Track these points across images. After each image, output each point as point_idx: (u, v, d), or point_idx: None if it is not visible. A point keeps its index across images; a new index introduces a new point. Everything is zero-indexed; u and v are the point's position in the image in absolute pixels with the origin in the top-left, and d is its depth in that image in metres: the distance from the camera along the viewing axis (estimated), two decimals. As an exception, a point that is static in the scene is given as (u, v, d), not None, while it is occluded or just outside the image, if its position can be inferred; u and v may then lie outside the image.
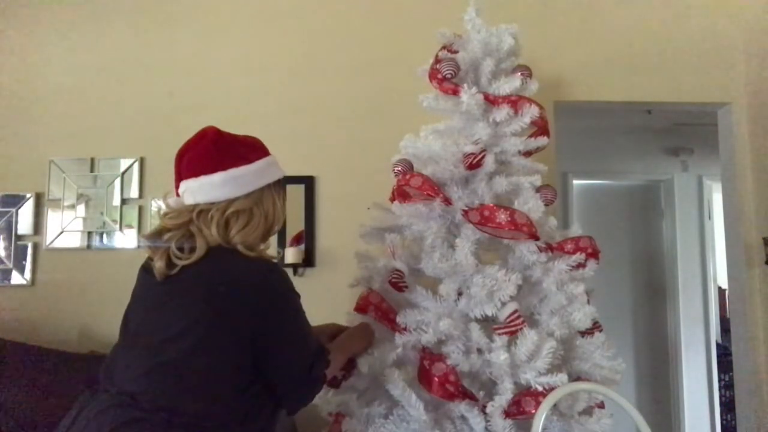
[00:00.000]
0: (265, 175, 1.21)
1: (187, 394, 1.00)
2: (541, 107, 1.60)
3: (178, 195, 1.20)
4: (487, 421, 1.35)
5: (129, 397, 1.00)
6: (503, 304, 1.42)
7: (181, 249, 1.08)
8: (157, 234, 1.13)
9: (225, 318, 1.03)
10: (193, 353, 1.01)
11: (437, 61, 1.68)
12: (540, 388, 1.34)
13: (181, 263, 1.07)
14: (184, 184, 1.16)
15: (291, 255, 2.32)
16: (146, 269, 1.18)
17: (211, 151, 1.16)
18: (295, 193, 2.41)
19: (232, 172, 1.14)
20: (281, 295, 1.11)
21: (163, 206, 1.19)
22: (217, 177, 1.13)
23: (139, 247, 1.25)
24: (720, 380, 3.94)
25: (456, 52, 1.70)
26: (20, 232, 2.45)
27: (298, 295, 1.16)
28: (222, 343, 1.03)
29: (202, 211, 1.12)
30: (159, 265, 1.09)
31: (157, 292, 1.12)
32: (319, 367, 1.17)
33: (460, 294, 1.49)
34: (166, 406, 0.98)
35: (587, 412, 1.45)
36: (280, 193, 1.30)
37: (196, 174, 1.14)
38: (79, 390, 1.23)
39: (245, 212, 1.15)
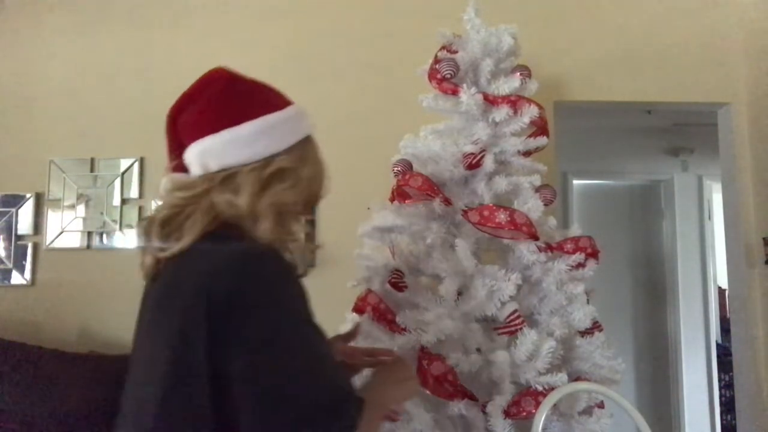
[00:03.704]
0: (302, 126, 0.94)
1: None
2: (540, 107, 1.60)
3: (174, 171, 0.89)
4: (487, 421, 1.35)
5: None
6: (503, 304, 1.42)
7: (168, 236, 0.80)
8: (151, 221, 0.84)
9: (195, 350, 0.70)
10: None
11: (437, 61, 1.68)
12: (540, 388, 1.34)
13: (162, 255, 0.80)
14: (196, 147, 0.83)
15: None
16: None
17: (230, 97, 0.86)
18: (295, 193, 2.41)
19: (265, 120, 0.85)
20: (264, 294, 0.72)
21: (161, 189, 0.88)
22: (246, 129, 0.83)
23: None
24: (720, 380, 3.94)
25: (455, 52, 1.69)
26: (20, 232, 2.45)
27: (301, 296, 0.77)
28: (188, 401, 0.70)
29: (228, 176, 0.81)
30: (147, 261, 0.84)
31: (144, 305, 0.89)
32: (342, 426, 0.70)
33: (460, 294, 1.49)
34: None
35: (587, 412, 1.45)
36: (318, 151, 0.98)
37: (213, 129, 0.82)
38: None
39: (291, 171, 0.85)
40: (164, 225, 0.81)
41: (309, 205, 0.96)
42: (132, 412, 0.77)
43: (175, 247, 0.78)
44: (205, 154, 0.83)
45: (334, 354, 0.83)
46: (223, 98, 0.86)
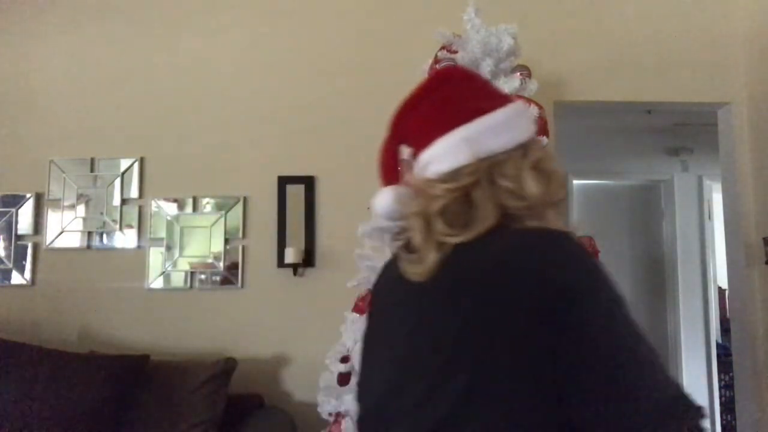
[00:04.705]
0: (533, 120, 0.85)
1: None
2: (540, 107, 1.60)
3: (389, 183, 0.83)
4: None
5: None
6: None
7: (452, 226, 0.71)
8: (421, 214, 0.74)
9: (503, 339, 0.64)
10: (458, 420, 0.62)
11: (436, 61, 1.69)
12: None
13: (452, 240, 0.70)
14: (447, 139, 0.75)
15: (291, 255, 2.31)
16: (392, 274, 0.80)
17: (474, 88, 0.81)
18: (295, 193, 2.41)
19: (514, 107, 0.78)
20: (595, 280, 0.66)
21: (392, 197, 0.80)
22: (502, 114, 0.76)
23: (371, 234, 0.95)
24: (720, 380, 3.94)
25: (455, 52, 1.70)
26: (20, 232, 2.45)
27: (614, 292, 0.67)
28: (505, 387, 0.63)
29: (496, 163, 0.73)
30: (431, 255, 0.70)
31: (406, 307, 0.75)
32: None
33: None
34: None
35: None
36: None
37: (463, 119, 0.75)
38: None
39: (546, 161, 0.77)
40: (444, 215, 0.72)
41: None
42: (431, 408, 0.65)
43: (469, 234, 0.70)
44: (463, 142, 0.74)
45: None
46: (465, 91, 0.81)
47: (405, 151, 0.84)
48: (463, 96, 0.80)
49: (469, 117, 0.76)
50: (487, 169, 0.73)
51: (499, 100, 0.79)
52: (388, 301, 0.82)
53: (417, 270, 0.71)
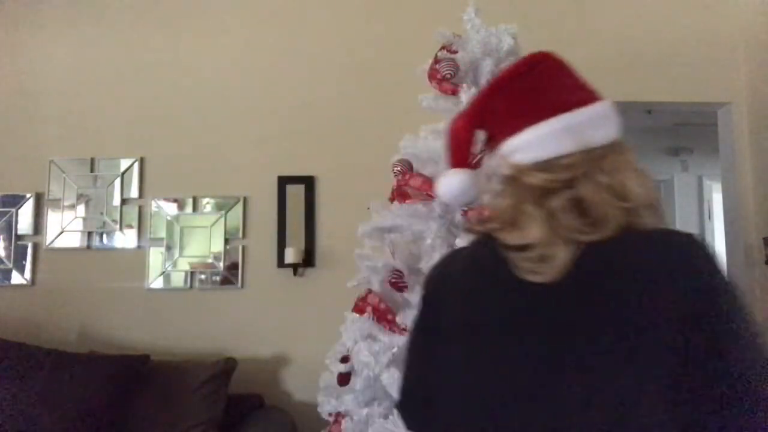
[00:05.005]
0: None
1: None
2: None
3: (459, 165, 0.79)
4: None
5: None
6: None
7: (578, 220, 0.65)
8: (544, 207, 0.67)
9: (657, 341, 0.61)
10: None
11: (436, 61, 1.68)
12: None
13: (587, 238, 0.64)
14: (543, 127, 0.71)
15: (291, 255, 2.31)
16: (493, 275, 0.71)
17: (567, 77, 0.76)
18: (295, 193, 2.41)
19: (608, 101, 0.74)
20: (727, 282, 0.64)
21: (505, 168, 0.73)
22: (600, 107, 0.72)
23: (473, 230, 0.78)
24: (720, 380, 3.93)
25: (455, 52, 1.69)
26: (20, 232, 2.45)
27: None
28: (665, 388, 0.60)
29: (597, 157, 0.69)
30: (561, 254, 0.64)
31: (530, 311, 0.67)
32: None
33: (459, 294, 1.49)
34: None
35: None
36: None
37: (560, 108, 0.71)
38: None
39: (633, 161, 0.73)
40: (572, 210, 0.66)
41: None
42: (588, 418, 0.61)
43: (604, 232, 0.64)
44: (570, 131, 0.69)
45: None
46: (563, 76, 0.76)
47: (479, 135, 0.79)
48: (558, 84, 0.75)
49: (569, 106, 0.71)
50: (588, 162, 0.68)
51: (591, 91, 0.75)
52: (488, 302, 0.71)
53: (542, 269, 0.64)
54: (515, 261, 0.66)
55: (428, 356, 0.77)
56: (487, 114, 0.78)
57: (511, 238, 0.69)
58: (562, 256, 0.63)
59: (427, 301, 0.81)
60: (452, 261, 0.83)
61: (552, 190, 0.67)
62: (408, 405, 0.82)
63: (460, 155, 0.80)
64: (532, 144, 0.71)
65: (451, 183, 0.79)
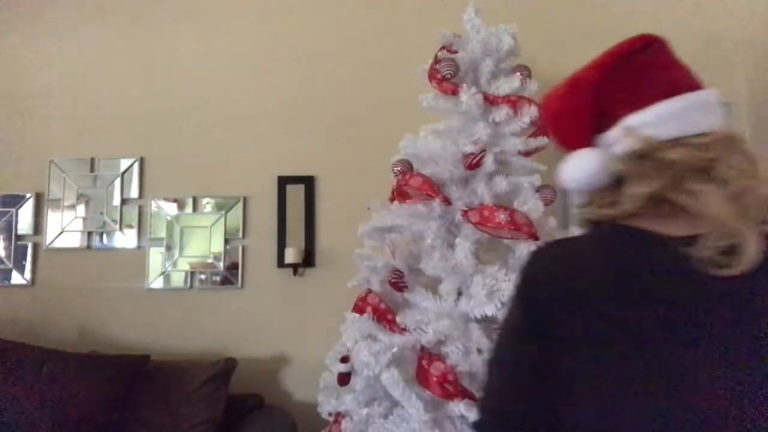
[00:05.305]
0: None
1: None
2: (540, 107, 1.60)
3: (578, 146, 0.73)
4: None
5: None
6: (503, 304, 1.42)
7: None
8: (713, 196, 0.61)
9: None
10: None
11: (437, 61, 1.68)
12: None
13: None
14: (673, 103, 0.66)
15: (291, 255, 2.31)
16: (655, 270, 0.62)
17: (678, 59, 0.73)
18: (295, 193, 2.41)
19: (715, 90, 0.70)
20: None
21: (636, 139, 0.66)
22: (714, 92, 0.69)
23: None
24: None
25: (455, 52, 1.70)
26: (20, 232, 2.45)
27: None
28: None
29: (739, 140, 0.65)
30: (752, 244, 0.56)
31: (718, 308, 0.58)
32: None
33: (460, 294, 1.49)
34: None
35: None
36: None
37: (685, 87, 0.68)
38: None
39: None
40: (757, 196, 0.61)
41: None
42: None
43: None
44: (702, 109, 0.66)
45: None
46: (676, 58, 0.73)
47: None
48: (676, 64, 0.72)
49: (693, 86, 0.68)
50: (725, 143, 0.63)
51: (696, 77, 0.72)
52: (653, 302, 0.60)
53: (729, 261, 0.56)
54: (687, 252, 0.58)
55: (544, 369, 0.66)
56: (606, 91, 0.73)
57: (674, 226, 0.62)
58: (753, 246, 0.56)
59: (535, 306, 0.69)
60: (565, 259, 0.71)
61: (700, 170, 0.61)
62: (503, 425, 0.70)
63: (580, 136, 0.73)
64: (663, 120, 0.66)
65: (582, 165, 0.71)
